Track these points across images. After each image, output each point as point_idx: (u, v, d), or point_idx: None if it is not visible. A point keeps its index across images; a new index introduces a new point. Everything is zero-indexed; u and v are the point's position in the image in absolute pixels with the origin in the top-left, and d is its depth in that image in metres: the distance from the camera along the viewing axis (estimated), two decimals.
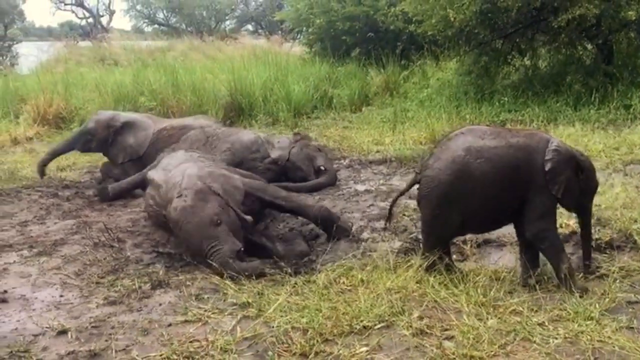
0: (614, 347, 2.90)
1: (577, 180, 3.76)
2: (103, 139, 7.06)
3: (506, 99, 9.29)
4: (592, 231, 4.16)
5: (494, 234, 4.62)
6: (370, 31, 13.25)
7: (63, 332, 3.21)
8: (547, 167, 3.67)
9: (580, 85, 9.15)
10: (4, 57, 27.07)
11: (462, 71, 10.68)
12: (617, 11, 8.51)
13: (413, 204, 5.15)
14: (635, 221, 4.59)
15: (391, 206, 4.24)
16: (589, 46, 9.98)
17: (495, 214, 3.85)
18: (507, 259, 4.30)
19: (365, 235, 4.90)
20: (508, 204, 3.78)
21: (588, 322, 3.16)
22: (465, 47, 10.34)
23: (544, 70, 10.47)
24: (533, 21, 9.68)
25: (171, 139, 6.73)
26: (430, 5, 9.59)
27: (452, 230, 3.91)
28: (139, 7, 34.32)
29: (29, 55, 20.28)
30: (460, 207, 3.76)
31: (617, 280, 3.72)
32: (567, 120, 8.40)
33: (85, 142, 7.13)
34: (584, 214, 3.96)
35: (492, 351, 2.90)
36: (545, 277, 3.84)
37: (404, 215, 5.23)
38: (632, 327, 3.14)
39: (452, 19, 9.00)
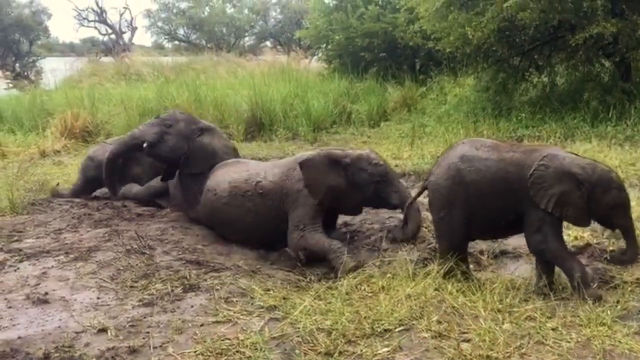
0: (624, 350, 3.04)
1: (579, 195, 3.77)
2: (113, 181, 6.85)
3: (524, 115, 9.40)
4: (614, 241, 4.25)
5: (509, 245, 4.79)
6: (388, 47, 13.46)
7: (103, 330, 3.41)
8: (529, 182, 3.81)
9: (597, 102, 9.24)
10: (29, 72, 27.80)
11: (480, 87, 10.83)
12: (634, 30, 8.63)
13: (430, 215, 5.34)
14: None
15: (405, 212, 4.55)
16: (607, 63, 10.09)
17: (493, 222, 4.04)
18: (523, 269, 4.46)
19: (384, 245, 5.08)
20: (502, 214, 3.96)
21: (600, 328, 3.30)
22: (483, 64, 10.49)
23: (561, 87, 10.59)
24: (550, 39, 9.84)
25: None
26: (448, 23, 9.77)
27: (459, 232, 4.11)
28: (160, 23, 34.94)
29: (53, 70, 20.71)
30: (461, 210, 4.01)
31: (630, 290, 3.85)
32: (584, 137, 8.50)
33: (94, 188, 7.15)
34: (620, 229, 3.89)
35: (507, 352, 3.05)
36: (560, 286, 4.00)
37: (422, 226, 5.38)
38: None
39: (470, 36, 9.16)
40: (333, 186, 4.95)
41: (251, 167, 5.56)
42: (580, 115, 9.08)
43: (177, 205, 6.30)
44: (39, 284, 4.17)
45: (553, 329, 3.32)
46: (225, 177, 5.49)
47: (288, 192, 5.12)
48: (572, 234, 4.69)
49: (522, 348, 3.11)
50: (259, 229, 5.22)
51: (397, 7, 13.61)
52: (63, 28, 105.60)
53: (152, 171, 6.85)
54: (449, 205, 4.06)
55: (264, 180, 5.26)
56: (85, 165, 7.21)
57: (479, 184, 3.94)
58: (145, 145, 5.98)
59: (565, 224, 4.11)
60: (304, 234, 4.92)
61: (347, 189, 4.98)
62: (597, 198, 3.79)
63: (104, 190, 7.46)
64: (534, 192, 3.80)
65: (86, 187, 7.15)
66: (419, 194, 4.50)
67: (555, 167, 3.81)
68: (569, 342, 3.16)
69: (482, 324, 3.37)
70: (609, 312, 3.47)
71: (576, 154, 4.05)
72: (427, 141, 9.14)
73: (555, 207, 3.78)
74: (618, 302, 3.68)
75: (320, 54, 16.72)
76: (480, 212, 3.99)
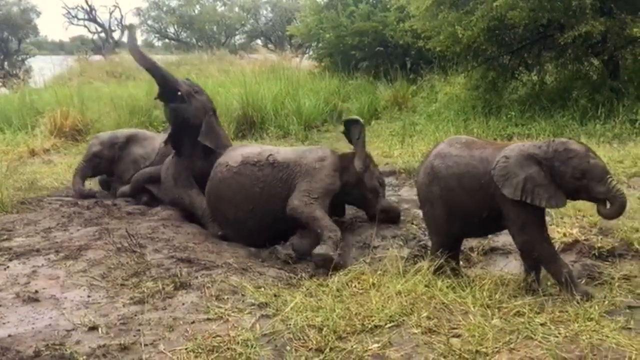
0: (611, 344, 3.08)
1: (543, 175, 3.71)
2: (110, 158, 7.28)
3: (513, 113, 9.44)
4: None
5: (499, 242, 4.82)
6: (379, 46, 13.48)
7: (94, 328, 3.41)
8: (495, 177, 3.81)
9: (586, 100, 9.29)
10: (18, 71, 27.61)
11: (470, 86, 10.87)
12: (623, 28, 8.68)
13: (421, 213, 5.37)
14: (637, 230, 4.74)
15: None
16: (595, 62, 10.14)
17: (468, 219, 4.06)
18: (513, 266, 4.49)
19: (375, 242, 5.11)
20: (474, 210, 3.99)
21: (588, 323, 3.33)
22: (473, 63, 10.53)
23: (550, 85, 10.64)
24: (540, 37, 9.88)
25: None
26: (438, 22, 9.80)
27: (443, 227, 4.17)
28: (150, 22, 34.83)
29: (42, 69, 20.61)
30: (438, 206, 4.10)
31: (618, 285, 3.89)
32: (573, 135, 8.54)
33: (95, 166, 7.33)
34: (602, 197, 3.64)
35: (496, 347, 3.09)
36: (548, 283, 4.03)
37: (413, 224, 5.41)
38: (630, 328, 3.31)
39: (460, 35, 9.19)
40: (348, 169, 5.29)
41: (266, 146, 5.82)
42: (569, 113, 9.13)
43: (167, 189, 6.36)
44: (29, 283, 4.15)
45: (542, 324, 3.35)
46: (238, 152, 5.66)
47: (303, 167, 5.27)
48: (560, 231, 4.72)
49: (511, 343, 3.14)
50: (266, 201, 5.30)
51: (388, 5, 13.64)
52: (52, 26, 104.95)
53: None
54: (429, 201, 4.18)
55: (277, 154, 5.43)
56: (91, 143, 7.53)
57: (448, 179, 4.02)
58: (179, 94, 6.06)
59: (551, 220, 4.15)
60: (315, 204, 5.03)
61: (358, 180, 5.29)
62: (560, 172, 3.69)
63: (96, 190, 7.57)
64: (501, 186, 3.78)
65: (89, 164, 7.32)
66: None
67: (515, 156, 3.80)
68: (557, 337, 3.19)
69: (471, 320, 3.39)
70: (596, 308, 3.51)
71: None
72: (418, 139, 9.16)
73: (524, 194, 3.72)
74: (605, 297, 3.71)
75: (311, 53, 16.72)
76: (454, 208, 4.06)
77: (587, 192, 3.68)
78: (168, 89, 6.11)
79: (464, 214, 4.03)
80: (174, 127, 6.28)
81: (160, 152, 6.99)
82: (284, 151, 5.53)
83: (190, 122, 6.07)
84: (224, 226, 5.59)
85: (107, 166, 7.34)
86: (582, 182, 3.64)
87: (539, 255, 3.88)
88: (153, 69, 6.17)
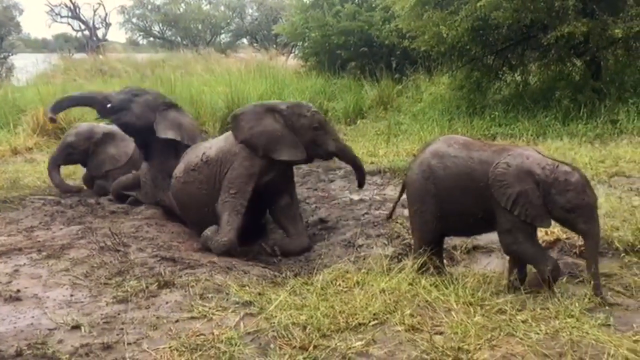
0: (590, 341, 3.12)
1: (537, 195, 3.74)
2: (84, 150, 7.39)
3: (497, 113, 9.53)
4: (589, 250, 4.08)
5: (482, 241, 4.86)
6: (364, 46, 13.53)
7: (76, 327, 3.38)
8: (491, 180, 3.83)
9: (569, 100, 9.40)
10: (0, 68, 27.28)
11: (455, 86, 10.93)
12: (604, 29, 8.79)
13: (406, 212, 5.39)
14: (617, 229, 4.80)
15: (394, 205, 4.65)
16: (578, 63, 10.25)
17: (462, 218, 4.08)
18: (495, 264, 4.53)
19: (360, 241, 5.13)
20: (469, 211, 4.00)
21: (568, 320, 3.37)
22: (457, 63, 10.60)
23: (534, 85, 10.73)
24: (523, 38, 9.98)
25: None
26: (423, 22, 9.86)
27: (430, 226, 4.17)
28: (134, 20, 34.60)
29: (25, 66, 20.39)
30: (431, 204, 4.09)
31: None
32: (556, 134, 8.64)
33: (67, 155, 7.46)
34: (581, 235, 3.86)
35: (478, 344, 3.11)
36: None
37: (397, 222, 5.44)
38: (609, 325, 3.36)
39: (444, 35, 9.26)
40: (268, 131, 5.12)
41: (206, 143, 5.75)
42: (552, 113, 9.22)
43: (148, 193, 6.38)
44: (10, 282, 4.11)
45: (523, 322, 3.38)
46: (184, 160, 5.68)
47: (229, 153, 5.24)
48: (542, 229, 4.76)
49: (493, 340, 3.16)
50: (215, 200, 5.25)
51: (373, 5, 13.69)
52: (35, 24, 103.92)
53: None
54: (421, 199, 4.16)
55: (209, 150, 5.41)
56: (67, 133, 7.80)
57: (446, 179, 4.02)
58: (108, 106, 6.18)
59: None
60: (229, 202, 5.09)
61: (286, 133, 5.16)
62: (553, 199, 3.73)
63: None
64: (494, 190, 3.81)
65: (62, 153, 7.49)
66: (401, 193, 4.53)
67: (516, 166, 3.81)
68: (538, 333, 3.23)
69: (454, 317, 3.42)
70: (577, 305, 3.55)
71: (544, 155, 3.96)
72: (403, 139, 9.22)
73: (514, 206, 3.77)
74: (586, 295, 3.76)
75: (296, 52, 16.73)
76: (448, 208, 4.06)
77: (572, 225, 3.84)
78: (100, 107, 6.28)
79: (459, 213, 4.05)
80: (131, 136, 6.52)
81: (134, 155, 7.06)
82: (216, 143, 5.53)
83: (137, 126, 6.18)
84: (198, 230, 5.63)
85: (81, 157, 7.49)
86: (571, 215, 3.74)
87: (522, 256, 3.94)
88: (75, 100, 6.50)
